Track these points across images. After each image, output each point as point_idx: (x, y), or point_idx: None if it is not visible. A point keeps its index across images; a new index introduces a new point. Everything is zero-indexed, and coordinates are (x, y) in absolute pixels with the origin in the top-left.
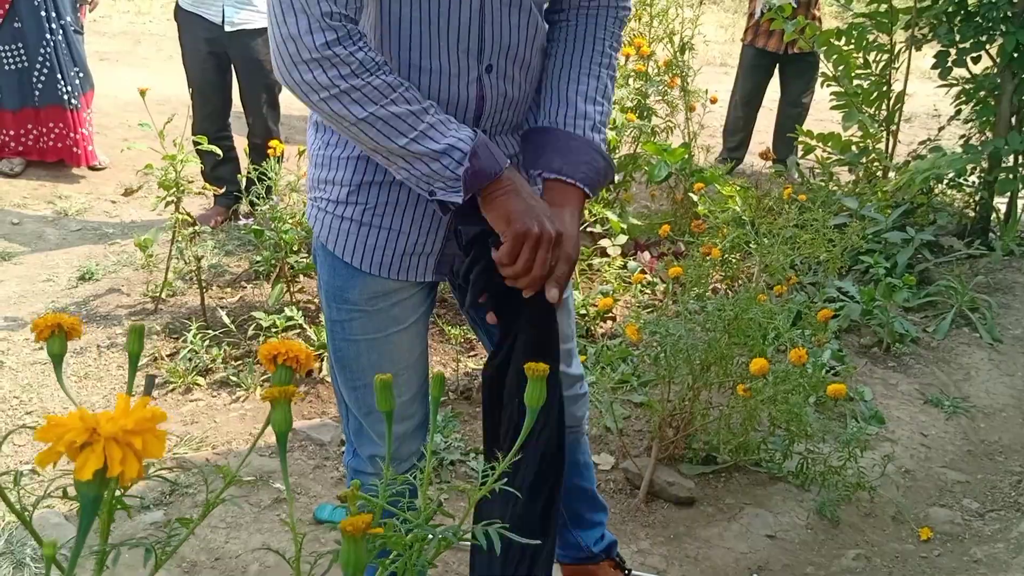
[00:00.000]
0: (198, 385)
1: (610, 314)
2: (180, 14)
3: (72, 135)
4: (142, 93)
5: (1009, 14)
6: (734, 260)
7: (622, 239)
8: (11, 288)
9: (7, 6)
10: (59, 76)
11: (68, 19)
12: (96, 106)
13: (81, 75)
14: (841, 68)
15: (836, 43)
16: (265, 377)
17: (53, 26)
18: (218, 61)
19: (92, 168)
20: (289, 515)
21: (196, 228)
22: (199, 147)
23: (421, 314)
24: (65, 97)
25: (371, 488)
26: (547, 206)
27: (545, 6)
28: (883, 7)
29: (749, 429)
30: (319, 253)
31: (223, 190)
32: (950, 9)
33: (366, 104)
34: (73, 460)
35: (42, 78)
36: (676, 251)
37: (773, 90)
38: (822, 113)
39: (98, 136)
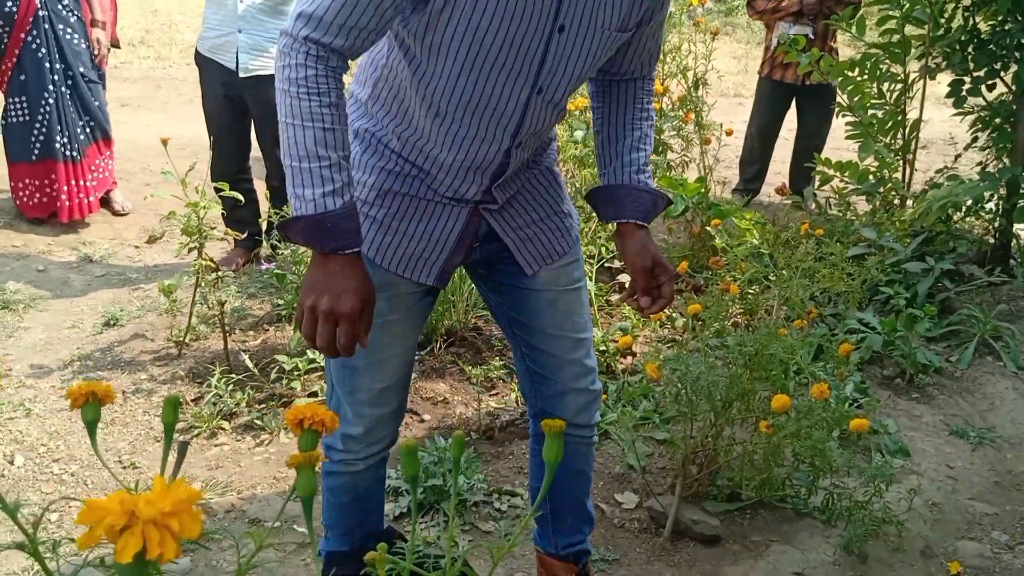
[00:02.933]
0: (222, 429)
1: (630, 350)
2: (199, 58)
3: (62, 188)
4: (164, 143)
5: (1022, 42)
6: (753, 294)
7: None
8: (37, 335)
9: (14, 59)
10: (58, 128)
11: (81, 70)
12: (117, 152)
13: (92, 124)
14: (856, 99)
15: (850, 74)
16: None
17: (56, 78)
18: (235, 105)
19: (115, 214)
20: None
21: (219, 273)
22: (220, 193)
23: (413, 314)
24: (60, 149)
25: (337, 464)
26: (350, 282)
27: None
28: (895, 37)
29: (773, 465)
30: None
31: (244, 235)
32: (963, 38)
33: (290, 113)
34: (113, 543)
35: (42, 132)
36: (695, 285)
37: (789, 119)
38: (839, 142)
39: (120, 182)
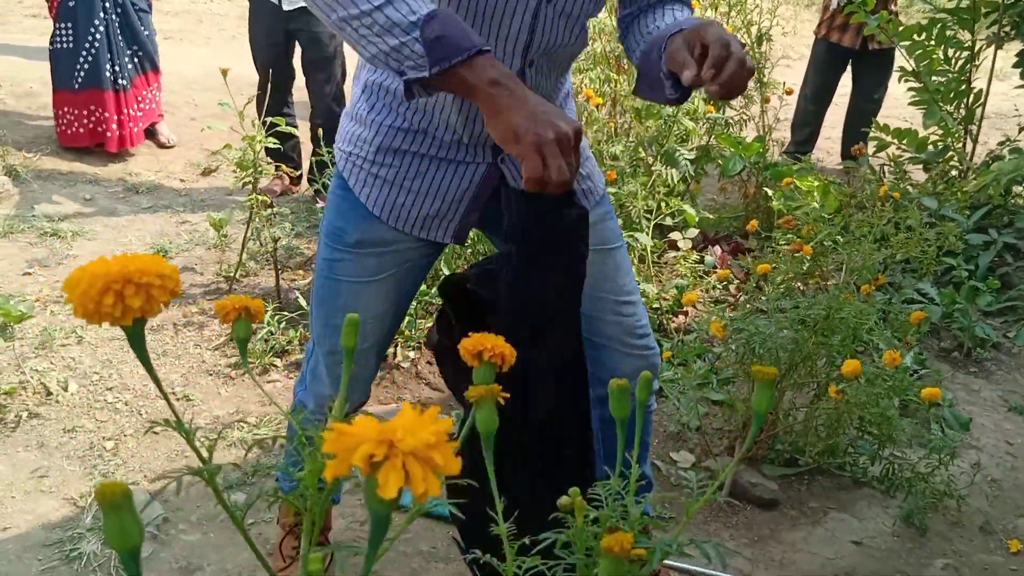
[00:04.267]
0: (274, 366)
1: (682, 308)
2: None
3: (112, 117)
4: (224, 73)
5: None
6: (817, 253)
7: (693, 232)
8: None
9: None
10: (107, 56)
11: None
12: (163, 84)
13: (140, 54)
14: (924, 64)
15: (918, 38)
16: None
17: (108, 5)
18: (281, 41)
19: (161, 146)
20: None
21: (273, 209)
22: (276, 128)
23: (410, 276)
24: (110, 77)
25: (308, 420)
26: (549, 104)
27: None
28: (966, 2)
29: (838, 432)
30: (337, 195)
31: (298, 172)
32: None
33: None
34: (366, 474)
35: (88, 61)
36: (746, 248)
37: (843, 84)
38: (890, 110)
39: (166, 115)
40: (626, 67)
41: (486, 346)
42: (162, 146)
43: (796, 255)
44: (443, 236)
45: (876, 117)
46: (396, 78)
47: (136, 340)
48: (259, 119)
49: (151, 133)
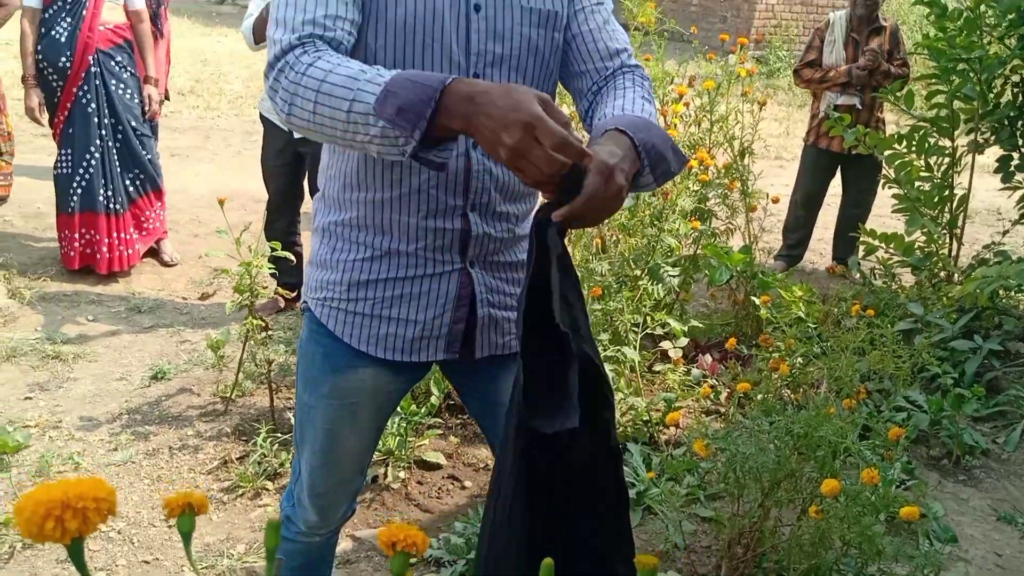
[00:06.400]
0: (266, 490)
1: (675, 422)
2: (261, 118)
3: (104, 240)
4: (221, 202)
5: None
6: (799, 367)
7: (683, 342)
8: (86, 387)
9: (66, 112)
10: (101, 181)
11: (132, 123)
12: (167, 203)
13: (142, 177)
14: (903, 172)
15: (898, 147)
16: None
17: (104, 132)
18: (292, 165)
19: (164, 264)
20: None
21: (269, 332)
22: (274, 253)
23: (386, 400)
24: (103, 202)
25: (294, 535)
26: (508, 95)
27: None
28: (944, 112)
29: (821, 550)
30: (311, 344)
31: (294, 294)
32: (1012, 113)
33: (312, 89)
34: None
35: (82, 185)
36: (737, 356)
37: (834, 186)
38: (883, 211)
39: (170, 232)
40: None
41: (399, 537)
42: (165, 264)
43: (773, 373)
44: (435, 354)
45: (866, 220)
46: (345, 205)
47: (76, 555)
48: (266, 239)
49: (155, 252)
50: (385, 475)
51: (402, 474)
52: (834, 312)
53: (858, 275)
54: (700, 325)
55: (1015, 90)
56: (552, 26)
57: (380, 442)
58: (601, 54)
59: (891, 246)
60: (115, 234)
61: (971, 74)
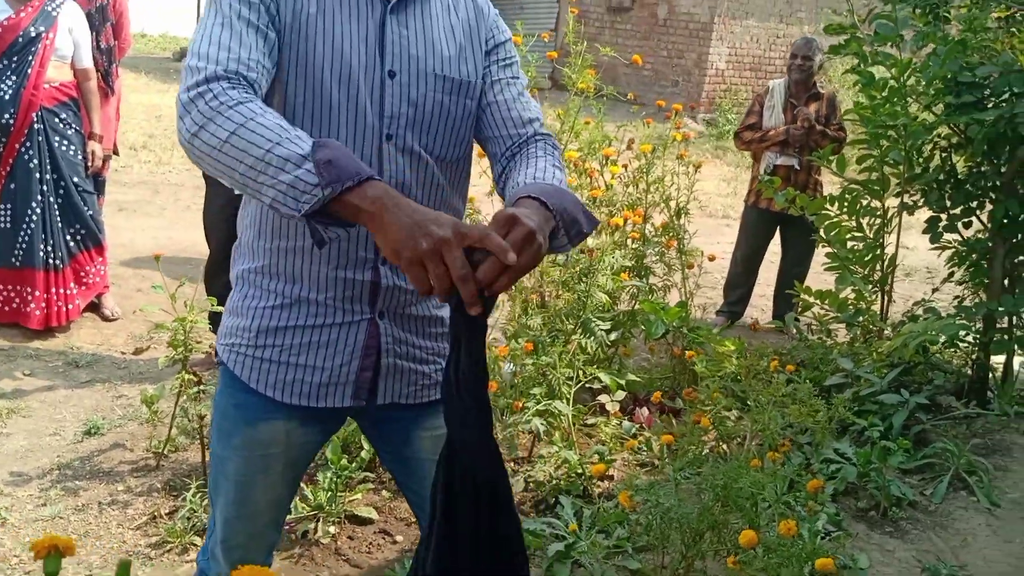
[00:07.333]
0: (194, 545)
1: (608, 472)
2: (204, 173)
3: (41, 296)
4: (156, 258)
5: (998, 183)
6: (729, 421)
7: (620, 395)
8: (18, 442)
9: (7, 168)
10: (41, 236)
11: (75, 180)
12: (113, 256)
13: (83, 232)
14: (833, 233)
15: (829, 209)
16: None
17: (46, 188)
18: (230, 217)
19: (105, 319)
20: None
21: (202, 387)
22: (212, 308)
23: (300, 452)
24: (43, 257)
25: None
26: (429, 211)
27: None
28: (875, 175)
29: None
30: (223, 394)
31: None
32: (940, 177)
33: (234, 122)
34: None
35: (24, 240)
36: (672, 409)
37: (775, 243)
38: (823, 268)
39: (113, 286)
40: None
41: None
42: (106, 319)
43: (696, 426)
44: (342, 400)
45: (806, 277)
46: (258, 253)
47: None
48: (207, 294)
49: (96, 306)
50: (315, 530)
51: (332, 529)
52: (757, 366)
53: (795, 331)
54: (638, 379)
55: (943, 154)
56: (465, 94)
57: (312, 496)
58: (515, 122)
59: (825, 302)
60: (53, 289)
61: (897, 140)
